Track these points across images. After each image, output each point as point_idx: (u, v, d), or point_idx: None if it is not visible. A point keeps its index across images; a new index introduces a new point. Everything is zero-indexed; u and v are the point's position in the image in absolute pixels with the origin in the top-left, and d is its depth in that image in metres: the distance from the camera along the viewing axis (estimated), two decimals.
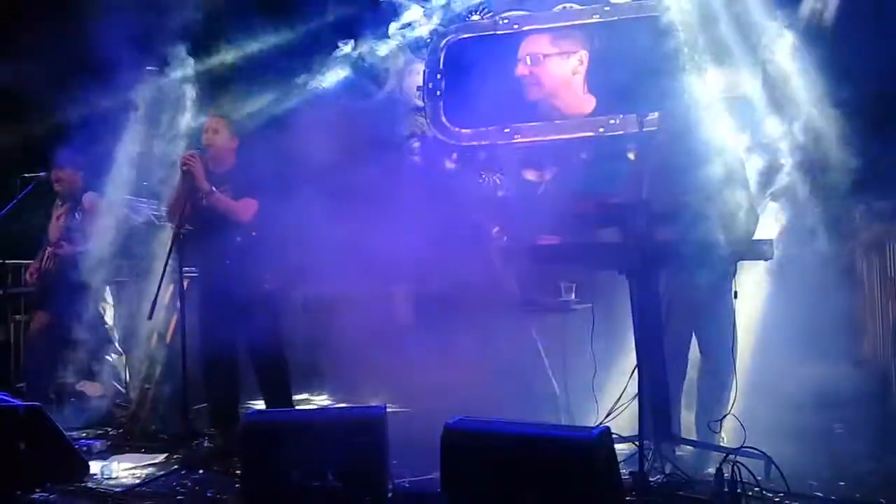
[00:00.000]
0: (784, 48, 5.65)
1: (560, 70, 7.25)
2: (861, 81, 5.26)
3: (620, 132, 6.85)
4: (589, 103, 7.10)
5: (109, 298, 5.86)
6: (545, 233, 5.11)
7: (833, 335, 5.11)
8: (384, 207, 6.79)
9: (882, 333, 5.15)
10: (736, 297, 4.25)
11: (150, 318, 5.37)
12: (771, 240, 4.21)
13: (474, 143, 7.42)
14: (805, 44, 5.60)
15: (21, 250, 6.41)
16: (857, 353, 5.21)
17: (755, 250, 4.15)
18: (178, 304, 5.19)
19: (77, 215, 5.81)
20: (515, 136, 7.26)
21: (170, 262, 4.61)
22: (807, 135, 5.57)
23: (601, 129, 6.99)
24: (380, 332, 5.87)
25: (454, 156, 7.39)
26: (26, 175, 5.96)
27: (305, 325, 6.91)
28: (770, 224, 5.48)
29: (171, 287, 5.32)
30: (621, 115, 6.85)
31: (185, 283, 4.88)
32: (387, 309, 6.50)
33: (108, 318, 5.84)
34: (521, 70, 7.26)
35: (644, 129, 4.72)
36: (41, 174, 5.96)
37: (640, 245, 4.06)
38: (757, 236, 4.52)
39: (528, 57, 7.26)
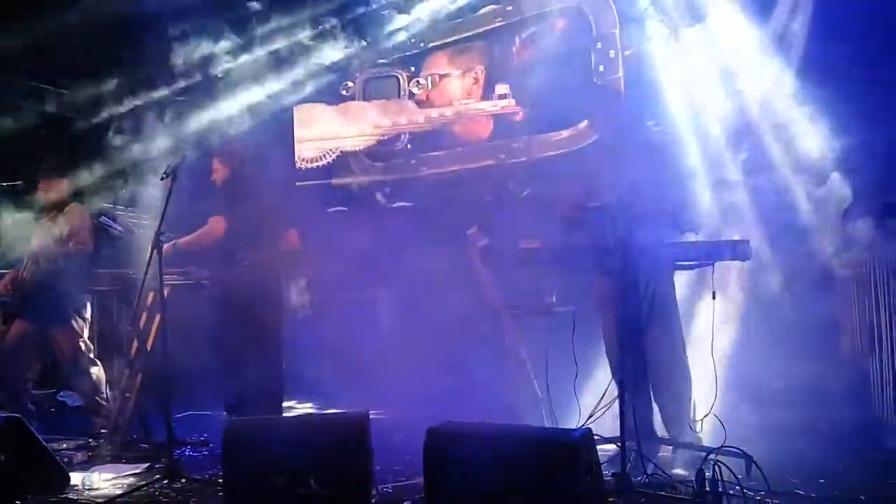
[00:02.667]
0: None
1: (454, 91, 6.64)
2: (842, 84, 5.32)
3: (524, 158, 6.18)
4: (486, 127, 6.50)
5: (86, 312, 5.80)
6: (526, 236, 5.12)
7: (812, 334, 5.17)
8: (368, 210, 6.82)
9: (860, 332, 5.19)
10: (714, 297, 4.27)
11: (130, 326, 5.36)
12: (748, 241, 4.25)
13: (386, 177, 6.99)
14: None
15: None
16: (835, 352, 5.25)
17: (733, 251, 4.17)
18: (160, 311, 5.18)
19: (61, 224, 5.75)
20: (422, 169, 6.81)
21: (150, 270, 4.59)
22: (785, 134, 5.64)
23: (502, 157, 6.27)
24: (362, 337, 5.87)
25: (386, 190, 7.01)
26: (2, 183, 5.91)
27: (289, 332, 6.90)
28: (750, 225, 5.54)
29: (152, 295, 5.29)
30: (525, 137, 6.16)
31: (166, 291, 4.86)
32: (369, 314, 6.50)
33: (84, 330, 5.78)
34: (419, 94, 6.85)
35: (577, 146, 4.45)
36: (18, 183, 5.91)
37: (620, 247, 4.08)
38: (735, 237, 4.56)
39: (428, 78, 6.86)
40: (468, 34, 6.73)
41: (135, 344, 5.55)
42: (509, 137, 6.26)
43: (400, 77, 7.33)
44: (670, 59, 5.83)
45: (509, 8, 6.41)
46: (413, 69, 7.21)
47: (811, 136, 5.43)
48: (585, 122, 5.96)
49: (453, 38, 6.81)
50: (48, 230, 5.74)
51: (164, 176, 4.62)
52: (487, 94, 6.50)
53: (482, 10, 6.64)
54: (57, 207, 5.80)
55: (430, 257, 5.73)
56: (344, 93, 7.53)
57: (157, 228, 4.53)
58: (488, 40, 6.54)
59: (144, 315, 5.40)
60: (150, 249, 4.53)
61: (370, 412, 4.03)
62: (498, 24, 6.47)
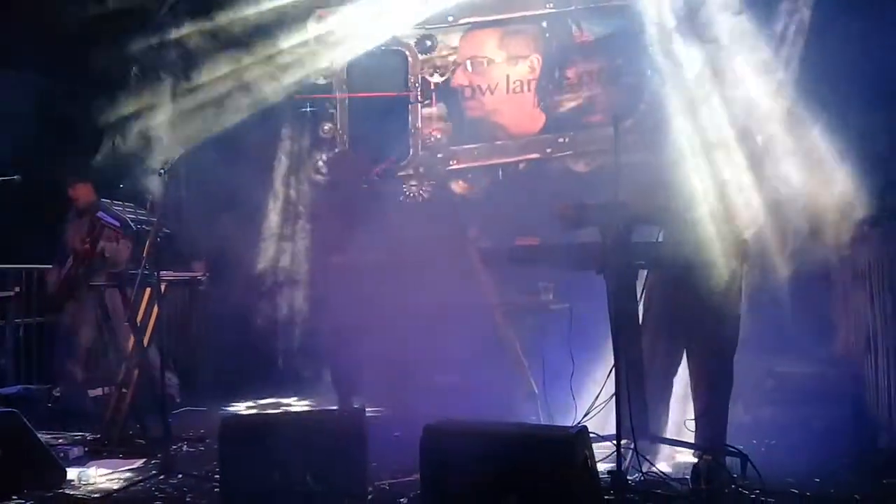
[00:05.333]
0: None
1: (506, 80, 6.28)
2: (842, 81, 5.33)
3: (570, 152, 6.12)
4: (538, 120, 6.29)
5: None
6: (523, 233, 5.11)
7: (807, 333, 5.19)
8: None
9: (855, 331, 5.21)
10: None
11: (127, 321, 5.36)
12: (747, 241, 4.25)
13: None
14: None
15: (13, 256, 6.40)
16: (830, 351, 5.27)
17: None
18: (156, 307, 5.17)
19: (90, 224, 5.80)
20: (451, 162, 6.53)
21: (146, 265, 4.58)
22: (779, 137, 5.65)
23: (548, 151, 6.17)
24: (360, 335, 5.85)
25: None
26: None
27: (287, 330, 6.94)
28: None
29: (149, 290, 5.28)
30: (571, 133, 6.12)
31: (163, 287, 4.85)
32: (367, 312, 6.49)
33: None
34: (459, 79, 6.44)
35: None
36: (15, 178, 5.91)
37: (617, 246, 4.09)
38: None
39: (468, 62, 6.40)
40: (517, 15, 6.29)
41: (132, 339, 5.55)
42: (560, 131, 6.16)
43: (409, 53, 6.69)
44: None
45: None
46: (430, 44, 6.60)
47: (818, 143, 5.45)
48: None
49: (497, 18, 6.34)
50: (82, 230, 5.81)
51: (162, 172, 4.61)
52: (544, 84, 6.22)
53: None
54: (88, 209, 5.86)
55: (428, 255, 5.73)
56: (322, 80, 6.94)
57: (155, 224, 4.52)
58: (540, 25, 6.19)
59: (142, 310, 5.39)
60: (146, 245, 4.53)
61: (367, 409, 4.05)
62: (549, 10, 6.15)
